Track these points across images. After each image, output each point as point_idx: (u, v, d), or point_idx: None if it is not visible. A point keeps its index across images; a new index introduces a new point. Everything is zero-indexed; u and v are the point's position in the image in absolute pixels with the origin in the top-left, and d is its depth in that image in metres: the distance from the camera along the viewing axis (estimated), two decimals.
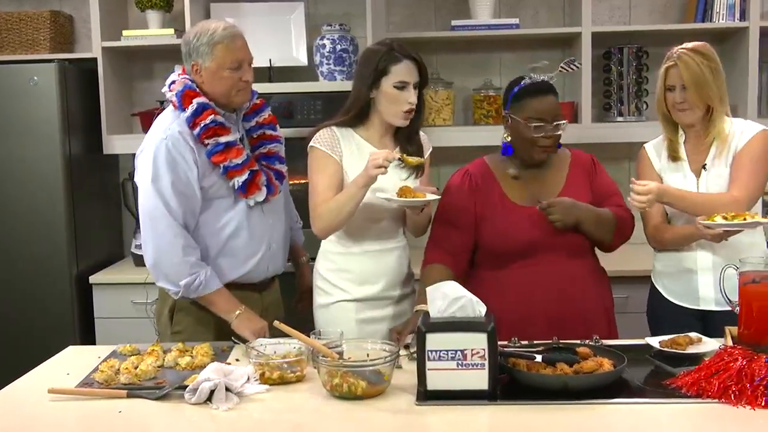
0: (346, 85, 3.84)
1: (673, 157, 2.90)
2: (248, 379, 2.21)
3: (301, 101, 3.90)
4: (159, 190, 2.61)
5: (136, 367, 2.33)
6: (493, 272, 2.74)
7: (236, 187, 2.69)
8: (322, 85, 4.00)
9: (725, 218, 2.60)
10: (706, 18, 4.06)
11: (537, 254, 2.69)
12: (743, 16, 4.00)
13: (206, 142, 2.65)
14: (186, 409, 2.12)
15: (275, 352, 2.34)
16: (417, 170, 2.84)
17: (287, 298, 3.05)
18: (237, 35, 2.68)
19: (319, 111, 3.87)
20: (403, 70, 2.73)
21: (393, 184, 2.71)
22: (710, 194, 2.81)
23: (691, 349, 2.38)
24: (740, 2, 4.00)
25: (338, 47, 3.99)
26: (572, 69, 2.86)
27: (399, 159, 2.68)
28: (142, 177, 2.65)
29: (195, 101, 2.65)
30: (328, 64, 4.01)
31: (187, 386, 2.15)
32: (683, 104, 2.82)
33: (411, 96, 2.73)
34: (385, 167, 2.55)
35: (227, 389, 2.13)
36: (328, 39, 4.01)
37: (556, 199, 2.67)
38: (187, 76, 2.72)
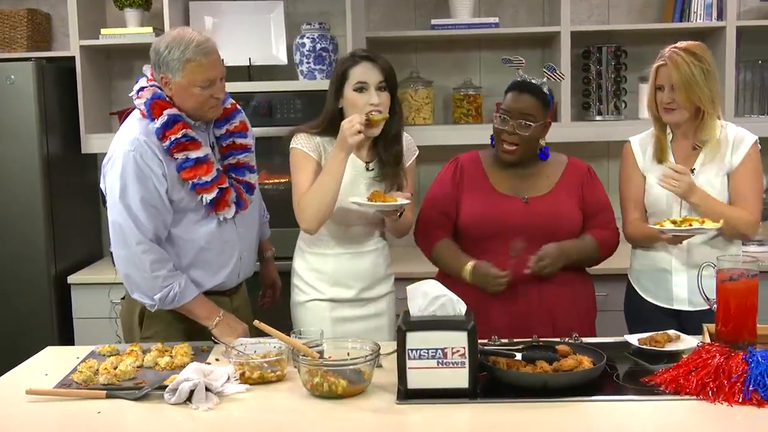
0: (326, 84, 3.82)
1: (659, 158, 2.88)
2: (228, 378, 2.20)
3: (280, 100, 3.89)
4: (127, 205, 2.56)
5: (115, 368, 2.32)
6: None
7: (205, 203, 2.64)
8: (301, 84, 3.99)
9: (674, 223, 2.66)
10: (684, 18, 4.09)
11: (511, 236, 2.69)
12: (720, 16, 4.03)
13: (176, 156, 2.58)
14: (166, 409, 2.11)
15: (255, 352, 2.33)
16: (392, 176, 2.81)
17: (253, 295, 3.04)
18: (210, 51, 2.57)
19: (299, 110, 3.86)
20: (360, 71, 2.70)
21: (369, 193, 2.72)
22: (730, 208, 2.79)
23: (670, 347, 2.40)
24: (717, 2, 4.04)
25: (318, 46, 3.99)
26: (556, 79, 2.87)
27: (367, 120, 2.62)
28: (111, 190, 2.60)
29: (166, 113, 2.57)
30: (308, 62, 4.00)
31: (167, 386, 2.14)
32: (671, 104, 2.80)
33: (372, 97, 2.68)
34: (362, 131, 2.57)
35: (207, 389, 2.12)
36: (307, 38, 4.00)
37: (542, 252, 2.66)
38: (156, 83, 2.63)
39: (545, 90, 2.77)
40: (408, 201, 2.69)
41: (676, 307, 2.87)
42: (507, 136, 2.72)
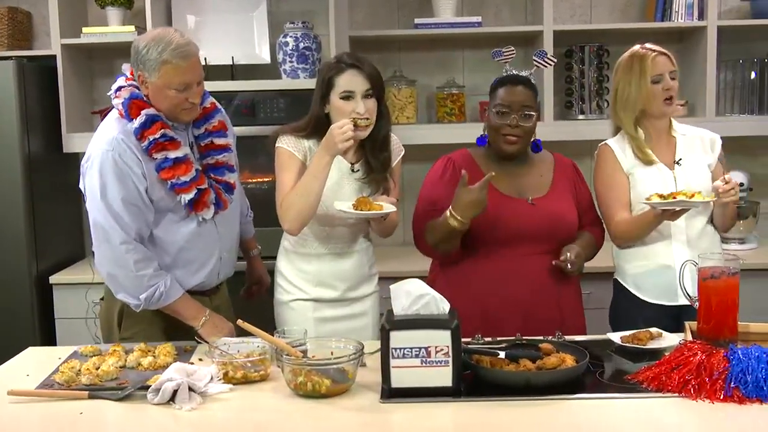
0: (309, 83, 3.83)
1: (646, 161, 2.91)
2: (211, 378, 2.20)
3: (264, 99, 3.88)
4: (109, 204, 2.55)
5: (97, 368, 2.31)
6: (471, 261, 2.75)
7: (184, 204, 2.62)
8: (285, 83, 3.98)
9: (661, 197, 2.69)
10: (665, 17, 4.12)
11: (517, 245, 2.70)
12: (701, 16, 4.06)
13: (155, 156, 2.56)
14: (149, 409, 2.10)
15: (239, 351, 2.33)
16: (379, 180, 2.80)
17: (234, 294, 3.04)
18: (188, 54, 2.53)
19: (282, 109, 3.86)
20: (346, 80, 2.68)
21: (354, 197, 2.72)
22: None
23: (652, 344, 2.41)
24: (698, 2, 4.06)
25: (301, 45, 3.98)
26: (547, 64, 2.89)
27: (354, 125, 2.61)
28: (90, 190, 2.59)
29: (144, 113, 2.56)
30: (291, 62, 3.99)
31: (150, 386, 2.13)
32: (670, 91, 2.88)
33: (358, 106, 2.67)
34: (352, 138, 2.57)
35: (190, 389, 2.12)
36: (290, 37, 3.99)
37: (574, 254, 2.66)
38: (134, 83, 2.62)
39: (533, 81, 2.78)
40: (394, 209, 2.68)
41: (680, 303, 2.84)
42: (510, 129, 2.70)
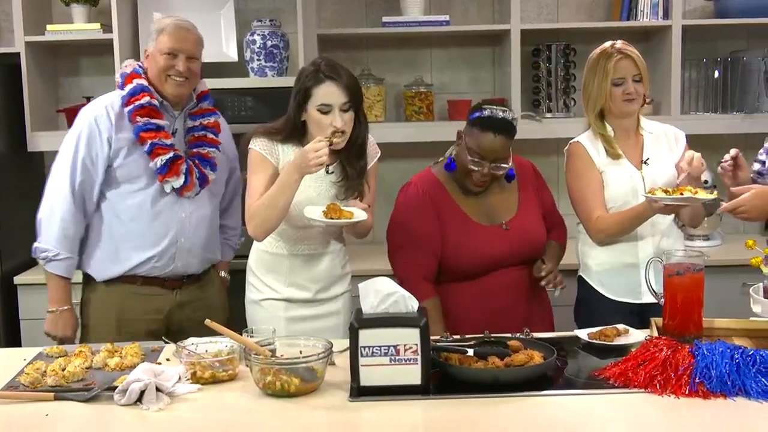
0: (277, 81, 3.84)
1: (614, 155, 2.93)
2: (179, 378, 2.18)
3: (231, 97, 3.86)
4: (72, 158, 2.77)
5: (63, 369, 2.28)
6: (452, 284, 2.80)
7: (157, 166, 2.75)
8: (252, 81, 3.97)
9: (666, 192, 2.68)
10: (631, 16, 4.16)
11: (497, 267, 2.77)
12: (666, 15, 4.10)
13: (138, 120, 2.75)
14: (116, 410, 2.08)
15: (207, 351, 2.32)
16: (354, 186, 2.79)
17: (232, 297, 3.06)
18: (183, 27, 2.81)
19: (249, 107, 3.84)
20: (324, 93, 2.65)
21: (328, 200, 2.73)
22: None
23: (619, 341, 2.43)
24: (663, 1, 4.10)
25: (269, 43, 3.96)
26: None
27: (330, 143, 2.60)
28: (65, 140, 2.84)
29: (135, 81, 2.79)
30: (258, 60, 3.98)
31: (117, 387, 2.12)
32: (632, 94, 2.89)
33: (336, 119, 2.65)
34: (325, 163, 2.57)
35: (158, 389, 2.10)
36: (258, 35, 3.98)
37: (556, 271, 2.79)
38: (139, 63, 2.88)
39: (515, 124, 2.76)
40: (365, 216, 2.67)
41: (644, 300, 2.87)
42: (481, 176, 2.74)
